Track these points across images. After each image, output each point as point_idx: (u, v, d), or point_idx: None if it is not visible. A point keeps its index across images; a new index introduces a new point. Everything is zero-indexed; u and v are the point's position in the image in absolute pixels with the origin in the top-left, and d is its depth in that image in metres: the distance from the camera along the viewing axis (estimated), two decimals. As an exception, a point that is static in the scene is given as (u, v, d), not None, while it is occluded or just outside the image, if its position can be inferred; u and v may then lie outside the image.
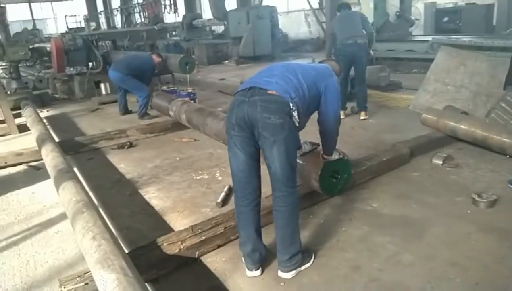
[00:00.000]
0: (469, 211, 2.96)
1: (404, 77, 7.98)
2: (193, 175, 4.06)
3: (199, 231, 2.63)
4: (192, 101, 5.92)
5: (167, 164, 4.45)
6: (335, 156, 2.84)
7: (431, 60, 8.94)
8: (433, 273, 2.31)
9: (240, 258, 2.53)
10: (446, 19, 12.03)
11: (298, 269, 2.38)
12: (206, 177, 3.99)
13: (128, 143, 5.17)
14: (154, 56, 6.56)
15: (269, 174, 2.32)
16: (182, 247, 2.50)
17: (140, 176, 4.12)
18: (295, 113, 2.26)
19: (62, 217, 3.18)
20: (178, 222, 3.10)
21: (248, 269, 2.42)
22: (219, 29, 17.19)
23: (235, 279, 2.39)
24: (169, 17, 21.29)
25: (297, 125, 2.31)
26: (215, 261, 2.56)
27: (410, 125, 5.03)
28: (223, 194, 3.42)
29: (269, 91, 2.26)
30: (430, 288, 2.19)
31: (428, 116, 4.41)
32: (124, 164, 4.53)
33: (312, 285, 2.29)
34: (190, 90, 6.80)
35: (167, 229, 2.98)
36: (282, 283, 2.31)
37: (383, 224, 2.87)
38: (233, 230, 2.72)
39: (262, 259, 2.44)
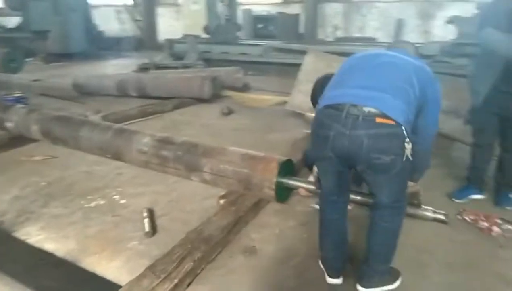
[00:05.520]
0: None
1: (245, 78, 8.27)
2: (82, 201, 3.19)
3: (165, 273, 2.05)
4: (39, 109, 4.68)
5: (31, 192, 3.36)
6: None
7: (265, 63, 9.60)
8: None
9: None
10: (261, 25, 13.14)
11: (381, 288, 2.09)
12: (102, 202, 3.19)
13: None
14: None
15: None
16: (156, 300, 1.90)
17: (1, 214, 2.98)
18: (408, 147, 1.77)
19: None
20: (106, 267, 2.36)
21: (328, 275, 2.16)
22: (9, 21, 14.23)
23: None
24: None
25: (410, 159, 1.82)
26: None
27: (285, 124, 5.23)
28: (146, 220, 2.79)
29: (378, 120, 1.73)
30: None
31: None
32: (-38, 200, 3.21)
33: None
34: (18, 95, 5.37)
35: (100, 280, 2.23)
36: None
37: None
38: (200, 262, 2.25)
39: (344, 267, 2.18)
